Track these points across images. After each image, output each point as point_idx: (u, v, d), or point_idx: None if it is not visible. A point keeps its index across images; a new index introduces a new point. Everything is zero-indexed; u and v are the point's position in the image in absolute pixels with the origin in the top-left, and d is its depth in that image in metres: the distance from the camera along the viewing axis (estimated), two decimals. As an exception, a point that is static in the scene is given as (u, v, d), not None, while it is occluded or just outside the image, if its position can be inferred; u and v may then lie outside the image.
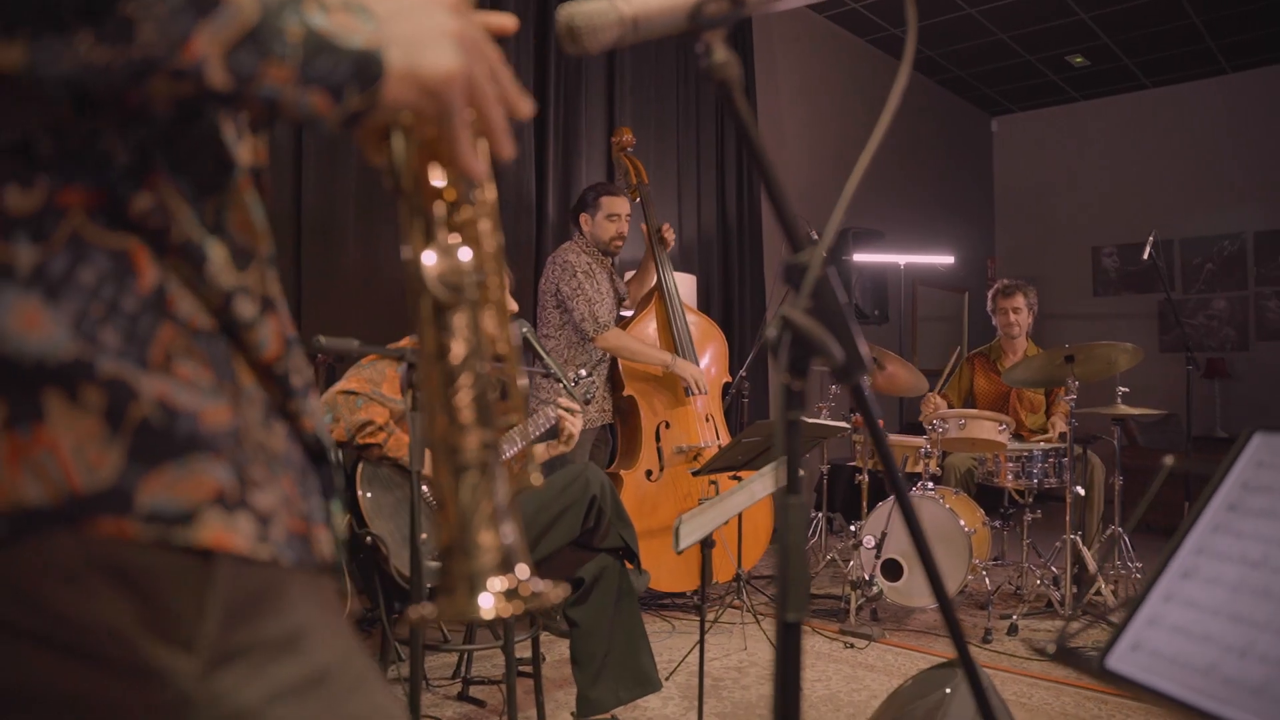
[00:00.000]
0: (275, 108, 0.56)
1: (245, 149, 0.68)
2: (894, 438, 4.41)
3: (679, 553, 2.25)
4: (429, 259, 0.67)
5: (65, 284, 0.53)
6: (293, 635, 0.59)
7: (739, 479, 3.24)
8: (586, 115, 5.14)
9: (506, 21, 0.77)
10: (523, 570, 0.66)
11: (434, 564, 2.40)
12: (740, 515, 3.33)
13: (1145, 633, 0.89)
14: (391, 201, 0.70)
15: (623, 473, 3.91)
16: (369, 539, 2.30)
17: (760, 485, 2.51)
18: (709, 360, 4.18)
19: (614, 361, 3.98)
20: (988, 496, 4.29)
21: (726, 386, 4.29)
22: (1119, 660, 0.89)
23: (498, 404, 0.72)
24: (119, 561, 0.52)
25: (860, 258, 5.86)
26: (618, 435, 4.13)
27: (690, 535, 2.54)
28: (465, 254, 0.69)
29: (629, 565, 2.67)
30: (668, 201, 5.58)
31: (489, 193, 0.73)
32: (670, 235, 4.09)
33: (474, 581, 0.64)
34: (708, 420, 4.07)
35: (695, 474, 3.27)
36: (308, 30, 0.55)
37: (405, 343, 2.61)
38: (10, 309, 0.51)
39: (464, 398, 0.68)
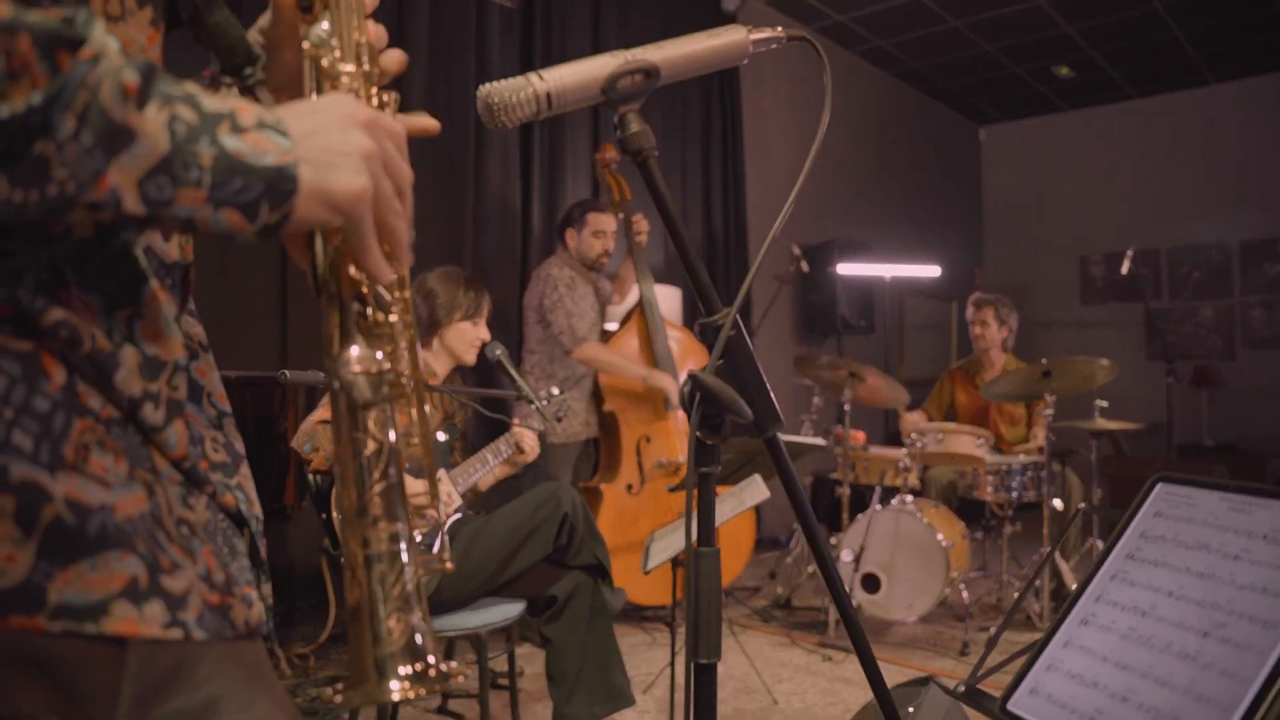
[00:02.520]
0: (191, 225, 0.59)
1: (173, 247, 0.72)
2: (876, 450, 4.45)
3: (646, 573, 2.29)
4: (347, 359, 0.72)
5: None
6: (206, 705, 0.64)
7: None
8: (572, 130, 5.19)
9: (428, 123, 0.82)
10: (430, 653, 0.71)
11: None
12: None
13: (1043, 677, 0.93)
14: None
15: (603, 486, 3.95)
16: (344, 560, 2.33)
17: (728, 506, 2.55)
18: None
19: (596, 376, 4.02)
20: (969, 509, 4.33)
21: (708, 401, 4.33)
22: (1018, 704, 0.93)
23: (408, 496, 0.77)
24: (33, 652, 0.56)
25: (846, 269, 5.90)
26: (600, 449, 4.17)
27: (659, 555, 2.58)
28: (380, 355, 0.73)
29: (602, 583, 2.70)
30: (654, 216, 5.62)
31: (405, 291, 0.78)
32: (642, 227, 4.14)
33: (383, 667, 0.69)
34: (688, 435, 4.10)
35: (672, 490, 3.31)
36: (219, 153, 0.58)
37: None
38: None
39: (374, 491, 0.72)
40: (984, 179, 8.98)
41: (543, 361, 3.94)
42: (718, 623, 0.91)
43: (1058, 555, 3.82)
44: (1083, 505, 3.96)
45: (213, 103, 0.60)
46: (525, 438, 2.76)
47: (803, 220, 6.46)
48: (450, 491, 2.58)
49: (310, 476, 2.46)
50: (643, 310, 4.12)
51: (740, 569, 4.26)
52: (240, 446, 0.82)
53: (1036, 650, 0.96)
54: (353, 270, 0.72)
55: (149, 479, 0.65)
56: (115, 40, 0.56)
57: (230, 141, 0.59)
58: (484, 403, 3.12)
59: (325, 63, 0.79)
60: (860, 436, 4.38)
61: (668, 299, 5.04)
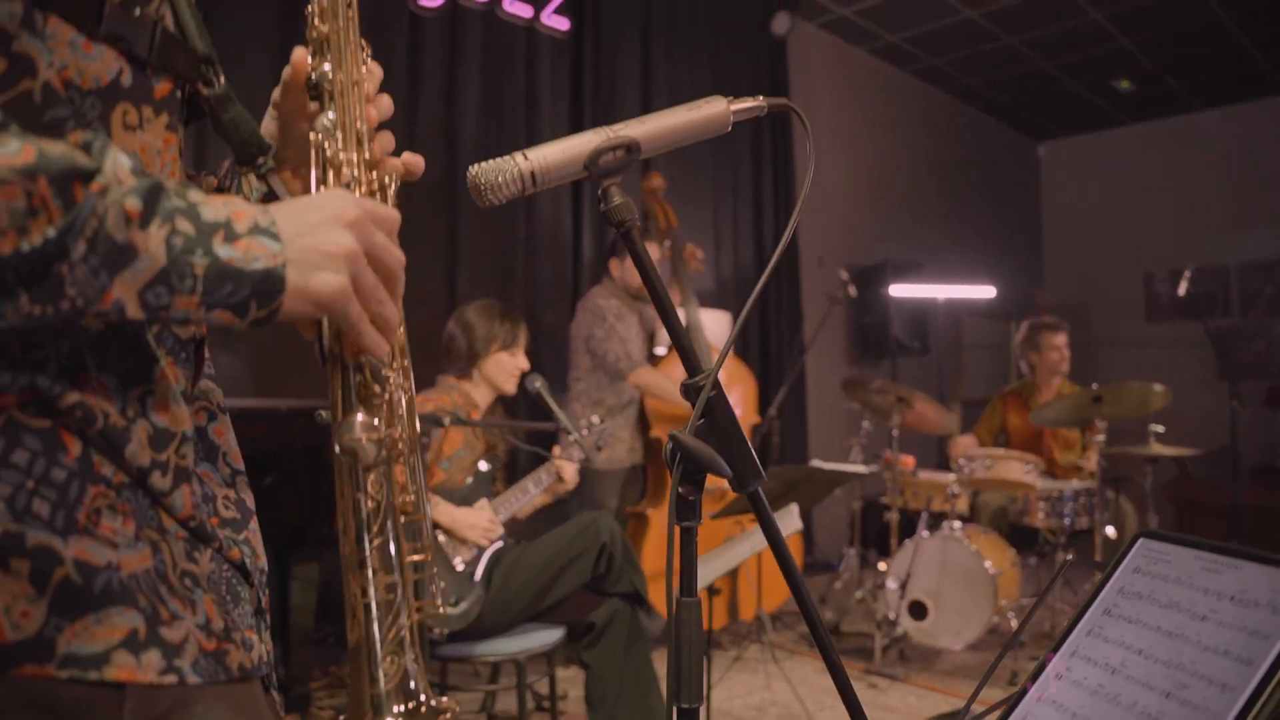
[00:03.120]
0: (187, 322, 0.69)
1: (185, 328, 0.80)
2: (925, 475, 4.42)
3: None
4: (350, 425, 0.79)
5: (1, 466, 0.65)
6: None
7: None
8: (622, 157, 5.27)
9: (417, 164, 0.96)
10: (421, 692, 0.80)
11: (454, 610, 2.52)
12: (759, 554, 3.38)
13: (1015, 729, 0.96)
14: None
15: (650, 511, 4.00)
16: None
17: (759, 537, 2.57)
18: (735, 400, 4.24)
19: (642, 403, 4.07)
20: (1021, 535, 4.27)
21: (755, 428, 4.35)
22: (991, 754, 0.95)
23: (405, 546, 0.84)
24: (43, 696, 0.65)
25: (899, 291, 5.87)
26: (647, 474, 4.22)
27: (701, 579, 2.61)
28: (377, 422, 0.81)
29: (640, 609, 2.75)
30: (704, 241, 5.66)
31: (405, 360, 0.88)
32: (693, 257, 4.18)
33: (378, 704, 0.78)
34: (734, 459, 4.13)
35: (713, 516, 3.34)
36: (212, 261, 0.66)
37: (422, 401, 2.74)
38: None
39: (373, 545, 0.81)
40: (1043, 196, 8.83)
41: (590, 389, 4.00)
42: (699, 669, 0.96)
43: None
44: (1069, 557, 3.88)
45: (211, 211, 0.68)
46: (565, 468, 2.83)
47: (855, 241, 6.45)
48: (492, 518, 2.66)
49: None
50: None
51: (786, 593, 4.25)
52: (251, 503, 0.90)
53: (1012, 703, 0.98)
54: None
55: (155, 537, 0.73)
56: (127, 160, 0.65)
57: (223, 250, 0.67)
58: (529, 433, 3.19)
59: (329, 152, 0.87)
60: (909, 462, 4.35)
61: (718, 323, 5.08)
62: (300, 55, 0.90)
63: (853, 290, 4.57)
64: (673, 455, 0.95)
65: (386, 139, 0.94)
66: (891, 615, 3.79)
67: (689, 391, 0.98)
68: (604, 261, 4.17)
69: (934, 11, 6.03)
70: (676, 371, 4.13)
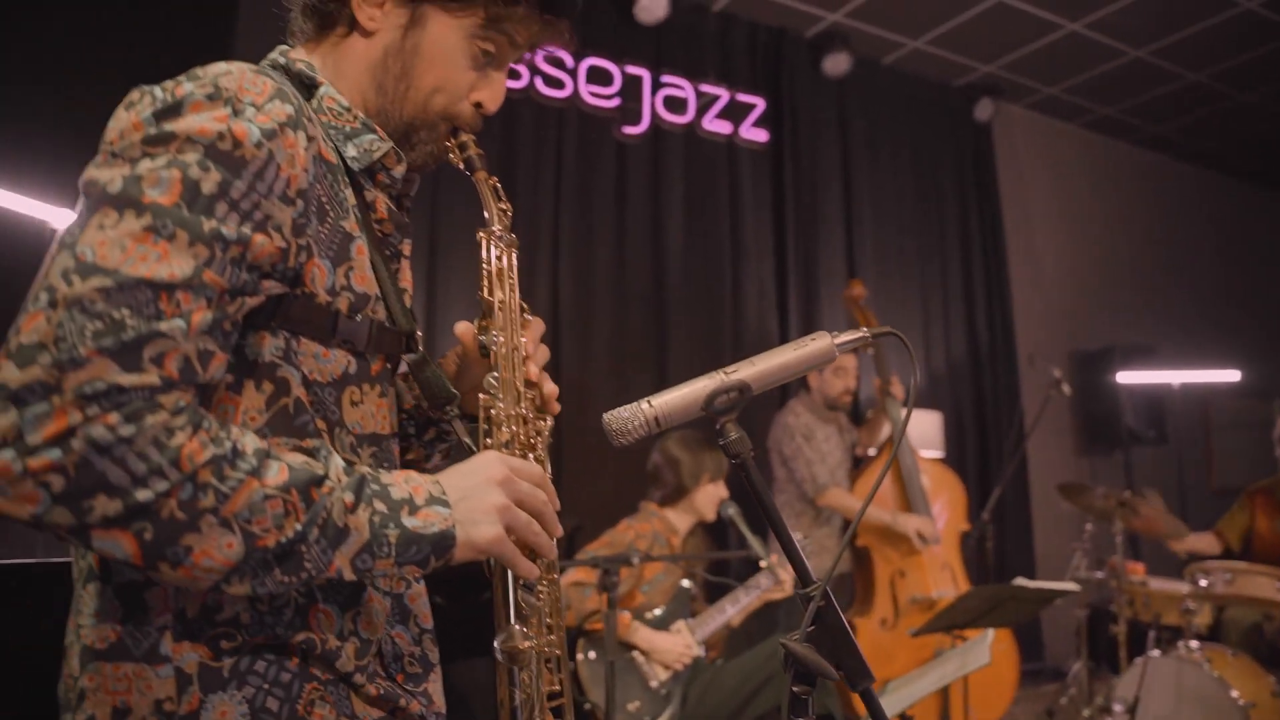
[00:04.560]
0: (386, 576, 0.95)
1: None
2: (1158, 584, 4.11)
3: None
4: (510, 633, 1.01)
5: (247, 674, 0.91)
6: None
7: (964, 638, 3.22)
8: (825, 260, 5.38)
9: (549, 389, 1.17)
10: None
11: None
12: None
13: None
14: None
15: (857, 620, 3.98)
16: (587, 706, 2.61)
17: (951, 666, 2.55)
18: (942, 508, 4.17)
19: (846, 510, 4.10)
20: (1280, 656, 3.86)
21: (965, 535, 4.24)
22: None
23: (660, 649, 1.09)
24: None
25: (1128, 378, 5.53)
26: (855, 582, 4.21)
27: (891, 707, 2.62)
28: (527, 630, 1.03)
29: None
30: (913, 340, 5.60)
31: (552, 574, 1.10)
32: (897, 389, 4.18)
33: None
34: (944, 569, 4.05)
35: (913, 634, 3.30)
36: (401, 532, 0.91)
37: (624, 529, 2.95)
38: (214, 706, 0.89)
39: None
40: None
41: (791, 500, 4.08)
42: None
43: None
44: None
45: (398, 490, 0.93)
46: (784, 572, 2.93)
47: (1077, 327, 6.15)
48: (689, 643, 2.79)
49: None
50: (893, 445, 4.16)
51: (1005, 705, 4.06)
52: (434, 657, 1.12)
53: None
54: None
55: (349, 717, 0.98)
56: (341, 462, 0.91)
57: (409, 521, 0.92)
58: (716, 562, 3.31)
59: (493, 411, 1.09)
60: (1139, 569, 4.07)
61: (927, 423, 5.01)
62: (463, 329, 1.16)
63: (1067, 389, 4.39)
64: (785, 661, 1.06)
65: (549, 386, 1.17)
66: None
67: (800, 600, 1.09)
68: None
69: (1152, 79, 5.76)
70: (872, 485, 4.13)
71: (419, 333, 1.11)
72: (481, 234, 1.15)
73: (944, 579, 4.03)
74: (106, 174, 0.83)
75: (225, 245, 0.83)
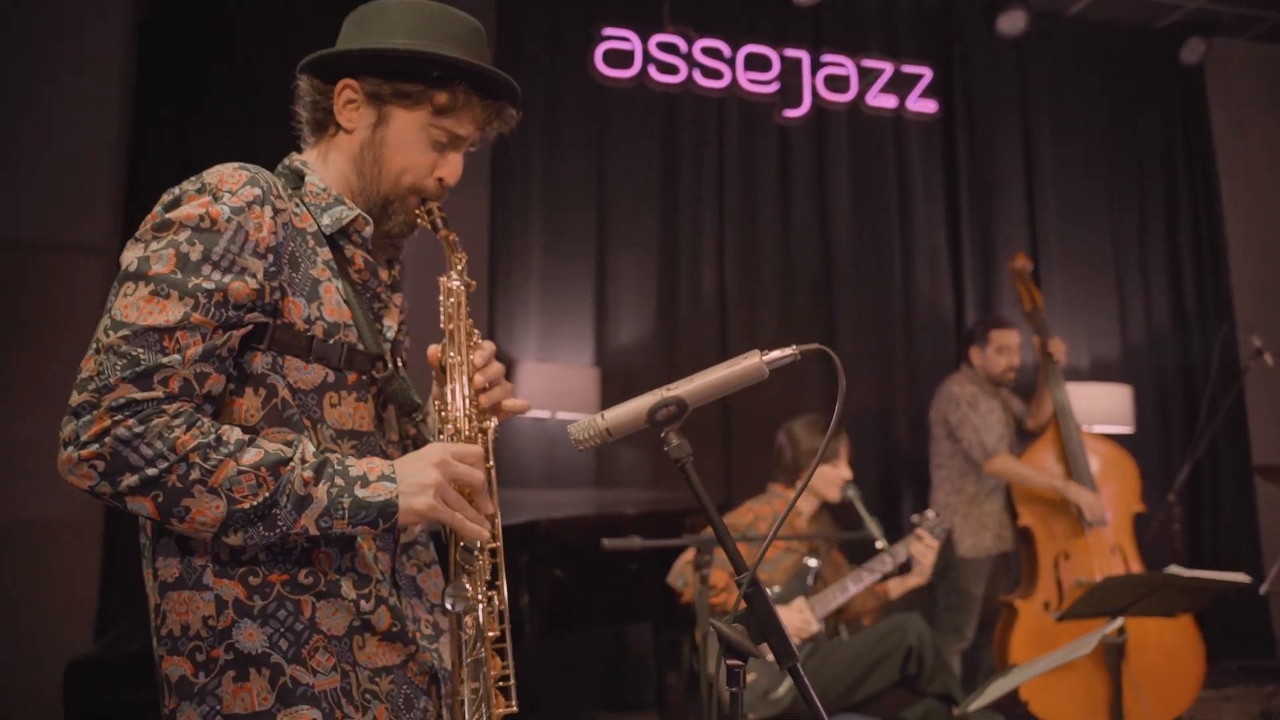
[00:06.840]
0: (344, 536, 1.22)
1: None
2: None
3: (963, 711, 2.38)
4: (455, 588, 1.28)
5: (269, 617, 1.21)
6: None
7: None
8: (1004, 231, 5.19)
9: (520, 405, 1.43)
10: None
11: (774, 696, 2.84)
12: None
13: None
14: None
15: (1019, 603, 3.90)
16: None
17: (1058, 655, 2.52)
18: (1113, 487, 3.98)
19: (1008, 489, 4.01)
20: None
21: (1139, 516, 4.02)
22: None
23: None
24: None
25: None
26: (1020, 563, 4.11)
27: (993, 692, 2.64)
28: (468, 586, 1.29)
29: (955, 709, 2.83)
30: (1106, 306, 5.30)
31: (496, 542, 1.34)
32: (1058, 351, 4.02)
33: None
34: (1114, 552, 3.87)
35: (1058, 618, 3.22)
36: (354, 500, 1.18)
37: (745, 510, 3.11)
38: (244, 628, 1.20)
39: (467, 664, 1.28)
40: None
41: (951, 475, 4.05)
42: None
43: None
44: None
45: (356, 469, 1.21)
46: (923, 556, 3.00)
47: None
48: (808, 619, 2.92)
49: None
50: (1057, 421, 4.02)
51: (1187, 700, 3.82)
52: (444, 626, 1.40)
53: None
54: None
55: (346, 668, 1.26)
56: (311, 446, 1.20)
57: (360, 492, 1.19)
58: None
59: (443, 413, 1.36)
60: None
61: (1115, 398, 4.76)
62: (431, 352, 1.41)
63: (1269, 359, 4.04)
64: (720, 639, 1.22)
65: (497, 392, 1.41)
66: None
67: (739, 585, 1.24)
68: (965, 350, 4.20)
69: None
70: (1043, 460, 4.01)
71: (389, 354, 1.37)
72: (441, 278, 1.41)
73: (1113, 562, 3.85)
74: (129, 255, 1.17)
75: (209, 294, 1.14)
